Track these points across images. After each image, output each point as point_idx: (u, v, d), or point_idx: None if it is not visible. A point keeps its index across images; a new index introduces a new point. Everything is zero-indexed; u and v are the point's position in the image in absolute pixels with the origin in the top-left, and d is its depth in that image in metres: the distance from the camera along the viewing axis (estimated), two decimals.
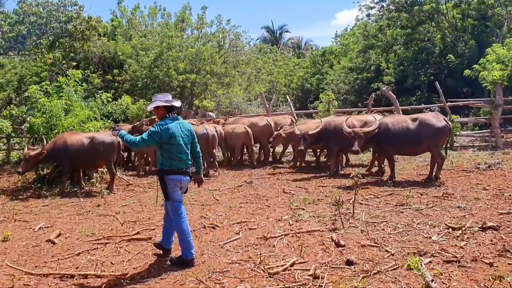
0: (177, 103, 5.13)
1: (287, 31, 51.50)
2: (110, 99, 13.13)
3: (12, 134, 13.02)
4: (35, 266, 5.33)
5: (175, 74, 20.55)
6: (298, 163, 12.09)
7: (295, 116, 14.75)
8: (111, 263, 5.32)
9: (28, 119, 11.02)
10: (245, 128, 12.46)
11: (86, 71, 19.43)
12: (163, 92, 15.00)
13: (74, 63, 19.99)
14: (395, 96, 14.85)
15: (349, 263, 4.99)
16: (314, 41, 61.49)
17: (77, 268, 5.22)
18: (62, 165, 9.94)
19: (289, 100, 17.82)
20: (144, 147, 5.09)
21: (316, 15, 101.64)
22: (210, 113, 19.14)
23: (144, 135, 4.91)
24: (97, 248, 5.93)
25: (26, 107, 11.73)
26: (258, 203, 8.13)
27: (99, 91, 13.83)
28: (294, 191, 9.02)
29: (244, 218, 7.11)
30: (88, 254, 5.67)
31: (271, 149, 13.26)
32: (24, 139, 17.20)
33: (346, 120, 9.94)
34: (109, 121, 13.25)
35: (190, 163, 5.11)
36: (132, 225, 6.96)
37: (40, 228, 7.04)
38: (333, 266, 4.96)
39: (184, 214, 5.13)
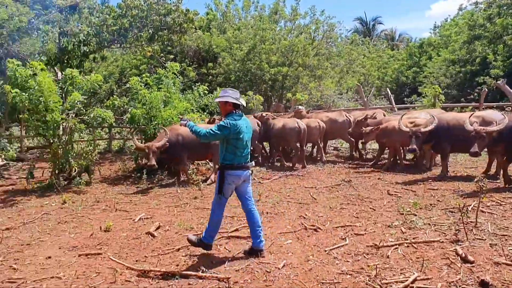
0: (244, 102, 5.19)
1: (380, 23, 49.30)
2: (206, 91, 13.17)
3: (114, 124, 13.57)
4: (136, 261, 5.19)
5: (268, 67, 20.29)
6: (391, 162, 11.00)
7: (395, 110, 13.67)
8: (212, 262, 5.00)
9: (129, 110, 11.31)
10: (318, 123, 11.85)
11: (182, 64, 19.90)
12: (255, 83, 14.77)
13: (171, 56, 20.55)
14: None
15: (483, 284, 4.19)
16: (408, 33, 57.80)
17: (177, 265, 4.98)
18: (180, 157, 9.89)
19: (389, 93, 16.65)
20: (212, 140, 5.24)
21: (410, 6, 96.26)
22: (299, 106, 18.62)
23: (214, 128, 4.96)
24: None
25: (128, 98, 12.09)
26: (361, 205, 7.44)
27: (196, 84, 13.95)
28: (400, 193, 8.16)
29: (348, 221, 6.48)
30: (188, 250, 5.44)
31: (358, 144, 12.71)
32: (123, 129, 18.16)
33: (469, 117, 8.76)
34: (205, 113, 13.31)
35: (249, 158, 5.18)
36: (230, 221, 6.66)
37: (140, 219, 7.01)
38: (464, 286, 4.17)
39: (224, 208, 5.22)
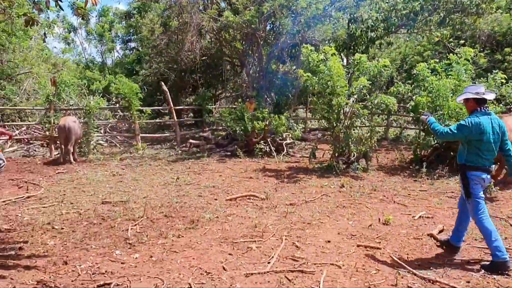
0: (490, 96, 4.65)
1: None
2: (504, 80, 11.12)
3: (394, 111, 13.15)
4: (418, 265, 4.60)
5: None
6: None
7: None
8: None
9: (413, 97, 10.59)
10: None
11: (473, 50, 17.65)
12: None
13: (461, 41, 18.51)
14: None
15: None
16: None
17: (468, 282, 4.14)
18: None
19: None
20: (450, 139, 4.93)
21: None
22: None
23: (453, 127, 4.63)
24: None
25: (412, 86, 11.35)
26: None
27: (489, 72, 11.97)
28: None
29: None
30: (477, 265, 4.48)
31: None
32: (401, 117, 17.50)
33: None
34: (500, 105, 11.30)
35: (493, 161, 4.65)
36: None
37: (420, 217, 6.36)
38: None
39: (486, 212, 4.58)
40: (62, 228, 5.73)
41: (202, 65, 16.17)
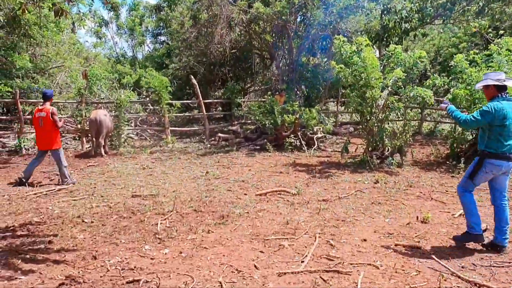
0: (511, 83, 4.58)
1: None
2: None
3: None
4: (462, 267, 4.30)
5: None
6: None
7: None
8: None
9: (450, 90, 10.12)
10: None
11: None
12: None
13: (501, 32, 17.67)
14: None
15: None
16: None
17: None
18: None
19: None
20: (473, 126, 4.81)
21: None
22: None
23: (475, 114, 4.56)
24: None
25: (449, 78, 10.86)
26: None
27: None
28: None
29: None
30: None
31: None
32: (435, 111, 16.91)
33: None
34: None
35: None
36: None
37: (460, 215, 6.01)
38: None
39: (473, 196, 4.80)
40: (92, 222, 5.69)
41: (231, 58, 16.03)
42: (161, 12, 19.74)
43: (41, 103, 8.06)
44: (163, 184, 8.03)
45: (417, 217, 5.87)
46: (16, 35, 12.87)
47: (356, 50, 9.48)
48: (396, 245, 4.90)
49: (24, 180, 7.88)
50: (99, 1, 22.68)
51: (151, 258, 4.49)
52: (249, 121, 14.81)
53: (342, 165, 9.81)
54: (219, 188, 7.62)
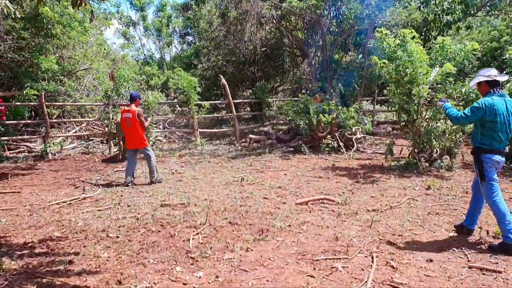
0: (502, 78, 4.58)
1: None
2: None
3: None
4: None
5: None
6: None
7: None
8: None
9: (508, 85, 9.18)
10: None
11: None
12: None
13: None
14: None
15: None
16: None
17: None
18: None
19: None
20: (466, 123, 4.73)
21: None
22: None
23: (467, 110, 4.61)
24: None
25: (504, 72, 9.90)
26: None
27: None
28: None
29: None
30: None
31: None
32: None
33: None
34: None
35: (508, 143, 4.58)
36: None
37: None
38: None
39: (500, 194, 4.58)
40: (118, 237, 5.13)
41: (261, 57, 15.39)
42: (189, 11, 19.28)
43: (127, 105, 8.22)
44: (193, 191, 7.44)
45: (487, 232, 5.05)
46: (41, 37, 12.59)
47: (400, 43, 8.66)
48: (470, 267, 4.12)
49: (130, 184, 7.98)
50: (127, 1, 22.31)
51: (184, 283, 3.87)
52: (281, 121, 14.09)
53: (387, 169, 9.00)
54: (255, 196, 6.97)
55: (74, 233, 5.29)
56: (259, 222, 5.54)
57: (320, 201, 6.55)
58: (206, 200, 6.73)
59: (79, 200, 6.98)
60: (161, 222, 5.62)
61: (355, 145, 11.04)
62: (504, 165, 5.04)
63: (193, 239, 4.98)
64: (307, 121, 11.12)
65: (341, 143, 10.93)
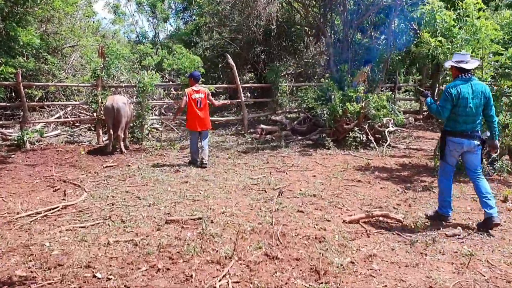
0: (470, 65, 4.61)
1: None
2: None
3: None
4: None
5: None
6: None
7: None
8: None
9: None
10: None
11: None
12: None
13: None
14: None
15: None
16: None
17: None
18: None
19: None
20: (445, 113, 4.65)
21: None
22: None
23: (441, 101, 4.70)
24: None
25: None
26: None
27: None
28: None
29: None
30: None
31: None
32: None
33: None
34: None
35: (479, 127, 4.66)
36: None
37: None
38: None
39: (450, 177, 4.88)
40: (109, 279, 3.52)
41: (270, 35, 13.67)
42: None
43: (195, 85, 7.88)
44: (205, 198, 5.84)
45: None
46: (20, 5, 10.75)
47: (459, 17, 7.06)
48: None
49: (202, 162, 7.85)
50: None
51: None
52: (295, 110, 12.39)
53: (434, 170, 7.45)
54: (286, 208, 5.40)
55: (45, 270, 3.67)
56: (307, 255, 3.96)
57: (376, 218, 5.00)
58: (225, 214, 5.14)
59: (58, 210, 5.34)
60: (169, 253, 4.02)
61: (388, 139, 9.45)
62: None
63: (219, 286, 3.39)
64: (331, 110, 9.50)
65: (370, 137, 9.34)
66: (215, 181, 6.81)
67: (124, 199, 5.83)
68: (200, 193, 6.15)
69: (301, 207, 5.47)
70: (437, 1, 7.29)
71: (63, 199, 5.83)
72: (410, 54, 14.93)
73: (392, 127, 9.77)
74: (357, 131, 9.43)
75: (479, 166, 4.73)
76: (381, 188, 6.45)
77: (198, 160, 8.01)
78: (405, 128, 11.92)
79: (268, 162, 8.30)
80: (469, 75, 4.63)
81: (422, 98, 5.20)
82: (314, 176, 7.18)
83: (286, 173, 7.39)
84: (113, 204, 5.57)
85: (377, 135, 9.67)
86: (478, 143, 4.64)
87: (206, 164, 7.85)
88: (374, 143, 9.25)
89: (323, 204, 5.62)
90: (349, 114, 9.41)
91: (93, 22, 17.43)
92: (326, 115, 9.74)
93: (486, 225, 4.56)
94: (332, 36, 12.82)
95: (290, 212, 5.25)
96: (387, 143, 9.33)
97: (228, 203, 5.65)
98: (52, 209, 5.34)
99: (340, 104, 9.41)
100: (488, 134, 4.93)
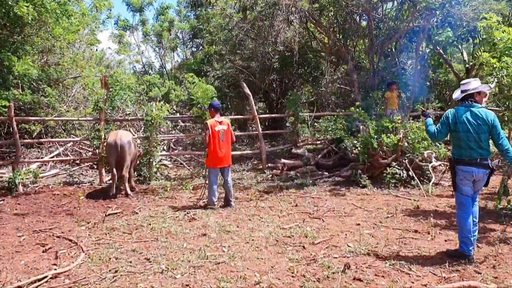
0: (457, 95, 4.69)
1: None
2: None
3: None
4: None
5: None
6: None
7: None
8: None
9: None
10: None
11: None
12: None
13: None
14: None
15: None
16: None
17: None
18: None
19: None
20: (440, 138, 4.77)
21: None
22: None
23: (438, 125, 4.66)
24: None
25: None
26: None
27: None
28: None
29: None
30: None
31: None
32: None
33: None
34: None
35: (487, 154, 4.43)
36: None
37: None
38: None
39: (469, 209, 4.51)
40: None
41: (287, 62, 12.70)
42: (199, 8, 16.59)
43: (216, 116, 7.15)
44: (230, 259, 4.65)
45: None
46: (17, 34, 9.86)
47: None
48: None
49: (228, 202, 7.11)
50: (124, 2, 19.60)
51: None
52: (318, 141, 11.22)
53: (499, 214, 6.22)
54: (336, 274, 4.19)
55: None
56: None
57: None
58: (260, 286, 3.94)
59: (46, 281, 4.16)
60: None
61: (433, 176, 8.20)
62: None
63: None
64: (364, 143, 8.37)
65: (412, 173, 8.15)
66: (240, 233, 5.62)
67: (130, 262, 4.64)
68: (223, 251, 4.96)
69: (356, 272, 4.26)
70: (495, 17, 6.25)
71: (54, 264, 4.64)
72: (436, 80, 13.98)
73: (435, 161, 8.56)
74: (396, 166, 8.24)
75: (478, 193, 4.67)
76: (445, 240, 5.23)
77: (216, 202, 7.10)
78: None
79: (297, 205, 7.13)
80: (471, 101, 4.54)
81: (423, 117, 5.08)
82: (358, 224, 5.97)
83: (323, 220, 6.20)
84: (116, 271, 4.37)
85: (416, 171, 8.47)
86: (487, 171, 4.46)
87: (232, 203, 7.09)
88: (417, 180, 8.04)
89: (384, 267, 4.41)
90: (385, 147, 8.27)
91: (96, 51, 16.58)
92: (358, 148, 8.59)
93: (458, 257, 4.53)
94: (354, 62, 11.84)
95: (345, 281, 4.04)
96: (432, 180, 8.09)
97: (261, 266, 4.46)
98: (38, 280, 4.16)
99: (375, 136, 8.29)
100: (497, 163, 4.81)
